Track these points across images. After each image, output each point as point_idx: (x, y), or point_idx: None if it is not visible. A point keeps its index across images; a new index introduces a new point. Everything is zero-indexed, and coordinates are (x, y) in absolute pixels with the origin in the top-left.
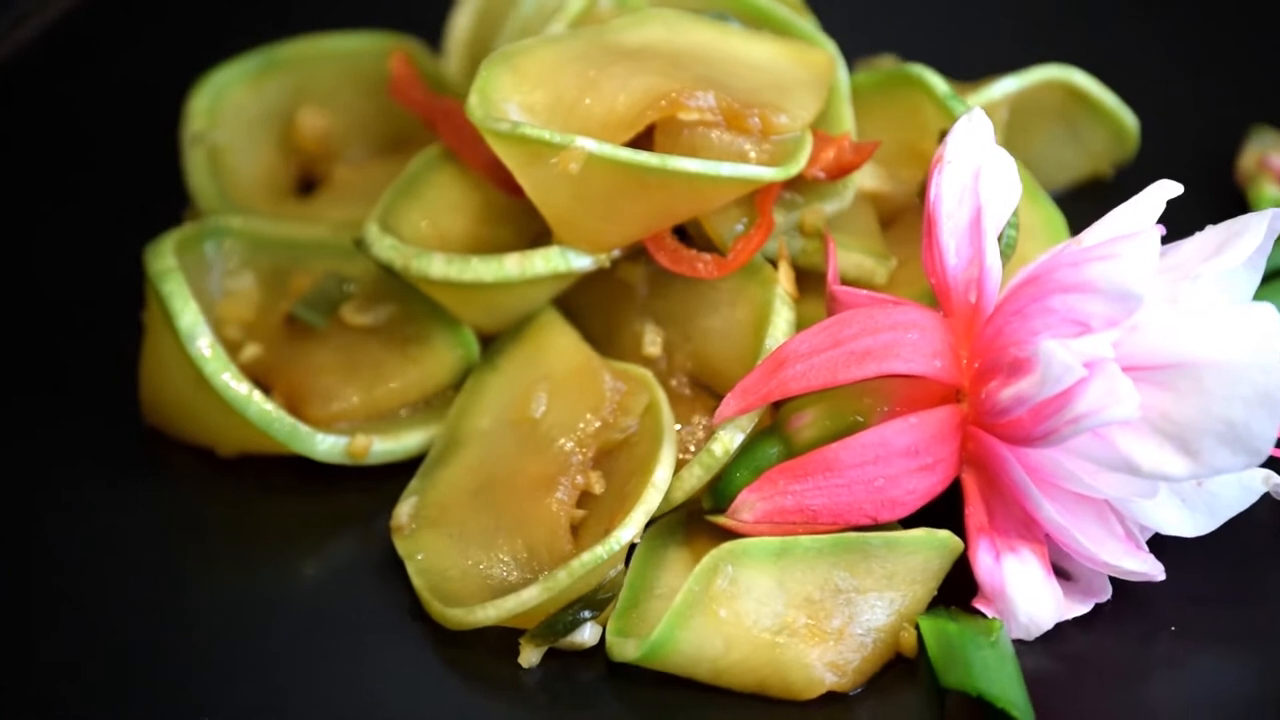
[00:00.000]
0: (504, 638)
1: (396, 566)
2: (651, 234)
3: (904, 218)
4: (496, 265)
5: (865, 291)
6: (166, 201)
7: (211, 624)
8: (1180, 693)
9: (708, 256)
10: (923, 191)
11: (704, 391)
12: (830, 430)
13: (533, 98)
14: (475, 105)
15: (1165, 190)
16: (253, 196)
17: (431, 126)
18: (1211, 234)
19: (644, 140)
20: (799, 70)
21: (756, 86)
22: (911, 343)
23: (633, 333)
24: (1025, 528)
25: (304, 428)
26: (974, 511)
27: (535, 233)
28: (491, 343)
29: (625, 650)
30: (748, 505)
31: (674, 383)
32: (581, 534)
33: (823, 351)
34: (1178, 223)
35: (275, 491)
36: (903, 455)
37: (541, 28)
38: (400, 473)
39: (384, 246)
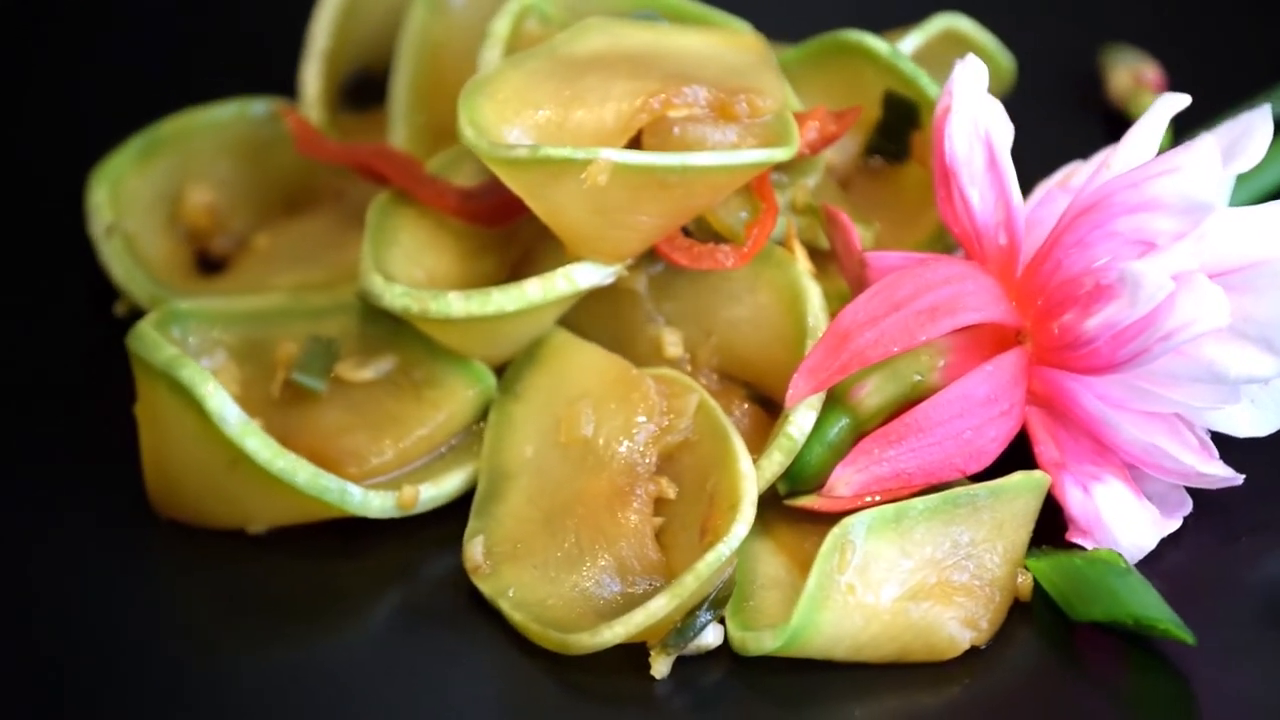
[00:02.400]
0: (615, 655)
1: (463, 611)
2: (665, 236)
3: (855, 182)
4: (518, 293)
5: (895, 253)
6: (68, 295)
7: (289, 700)
8: (1269, 592)
9: (726, 248)
10: (875, 151)
11: (732, 383)
12: (893, 394)
13: (525, 122)
14: (473, 138)
15: (1173, 103)
16: (175, 279)
17: (368, 174)
18: (1213, 140)
19: (632, 145)
20: (743, 55)
21: (721, 74)
22: (972, 292)
23: (648, 338)
24: (1099, 456)
25: (354, 488)
26: (1045, 449)
27: (516, 258)
28: (503, 373)
29: (761, 643)
30: (843, 480)
31: (702, 380)
32: (666, 540)
33: (886, 316)
34: (1066, 148)
35: (311, 558)
36: (983, 404)
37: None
38: (428, 519)
39: (395, 295)
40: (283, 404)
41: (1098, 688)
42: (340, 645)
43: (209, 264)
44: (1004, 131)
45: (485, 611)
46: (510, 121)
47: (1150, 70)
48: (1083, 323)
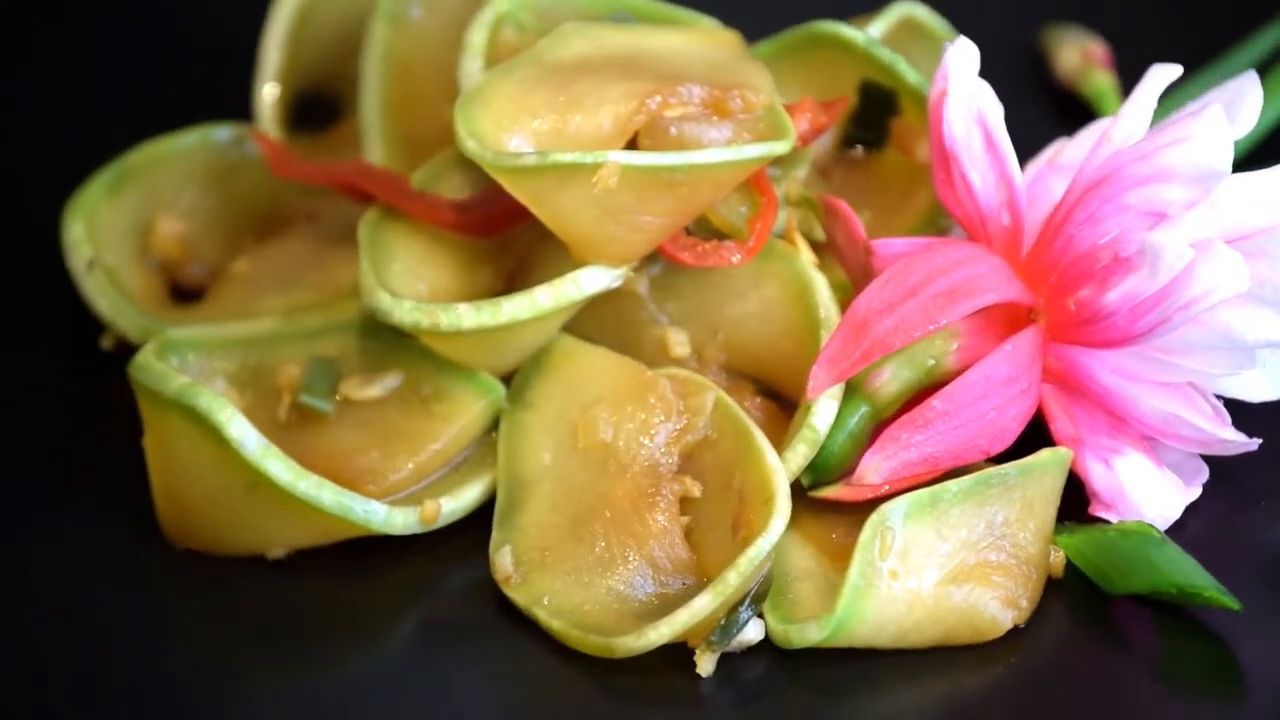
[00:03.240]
0: (654, 655)
1: (492, 622)
2: (669, 236)
3: (834, 173)
4: (528, 302)
5: (901, 239)
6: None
7: None
8: None
9: (731, 244)
10: (852, 141)
11: (741, 379)
12: (909, 380)
13: (523, 130)
14: (476, 150)
15: (1166, 74)
16: (155, 310)
17: (351, 193)
18: (1221, 107)
19: (629, 147)
20: (724, 51)
21: (710, 71)
22: (986, 273)
23: (654, 340)
24: (1116, 429)
25: (378, 506)
26: (1061, 425)
27: (512, 267)
28: (510, 383)
29: (806, 635)
30: (873, 468)
31: (710, 378)
32: (694, 539)
33: (902, 303)
34: (1018, 130)
35: (332, 579)
36: (1004, 384)
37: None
38: (442, 533)
39: (405, 311)
40: (290, 428)
41: (1138, 659)
42: (372, 664)
43: (182, 294)
44: (997, 111)
45: (515, 621)
46: (509, 130)
47: (1097, 47)
48: (1101, 296)
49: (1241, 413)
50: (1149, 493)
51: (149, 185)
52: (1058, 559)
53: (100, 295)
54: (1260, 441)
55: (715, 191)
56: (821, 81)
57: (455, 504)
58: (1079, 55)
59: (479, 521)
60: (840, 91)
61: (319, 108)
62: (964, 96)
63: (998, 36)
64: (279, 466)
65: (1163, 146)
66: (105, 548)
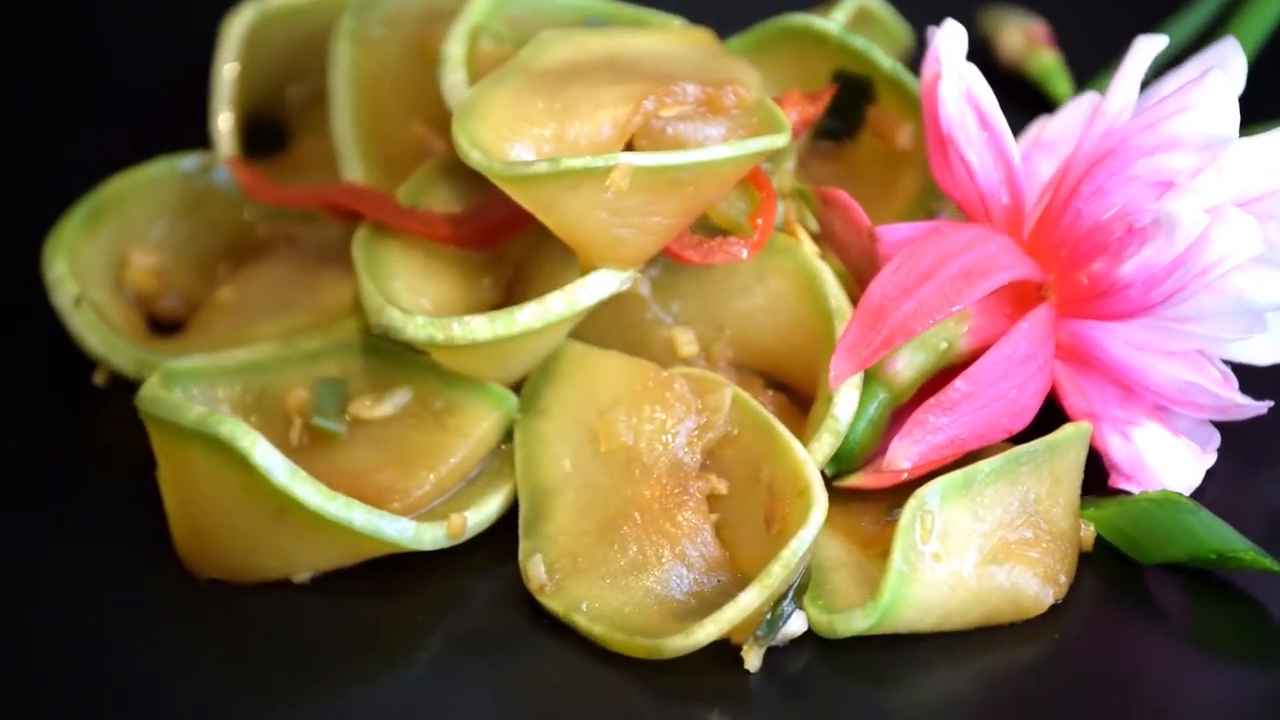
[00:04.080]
0: (695, 653)
1: (525, 632)
2: (675, 236)
3: (809, 164)
4: (540, 310)
5: (905, 225)
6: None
7: None
8: None
9: (736, 240)
10: (825, 132)
11: (748, 374)
12: (924, 365)
13: (524, 138)
14: (483, 161)
15: (1153, 44)
16: (145, 342)
17: (337, 213)
18: (1191, 72)
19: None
20: (702, 49)
21: (698, 69)
22: (996, 253)
23: (660, 341)
24: (1127, 401)
25: (408, 523)
26: (1075, 400)
27: (509, 276)
28: (519, 392)
29: (851, 623)
30: (902, 453)
31: (719, 375)
32: (724, 535)
33: (918, 287)
34: None
35: (357, 599)
36: (1023, 362)
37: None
38: (460, 546)
39: (419, 326)
40: (303, 452)
41: (1174, 627)
42: (405, 681)
43: (158, 327)
44: (988, 91)
45: (546, 629)
46: (509, 140)
47: (1038, 27)
48: (1117, 269)
49: (1245, 376)
50: (1168, 461)
51: (121, 219)
52: (1088, 533)
53: (90, 331)
54: (1271, 404)
55: (718, 189)
56: (793, 74)
57: (479, 516)
58: (1021, 36)
59: (495, 533)
60: (811, 83)
61: (266, 134)
62: (955, 78)
63: (936, 23)
64: (307, 490)
65: (1167, 116)
66: (121, 583)
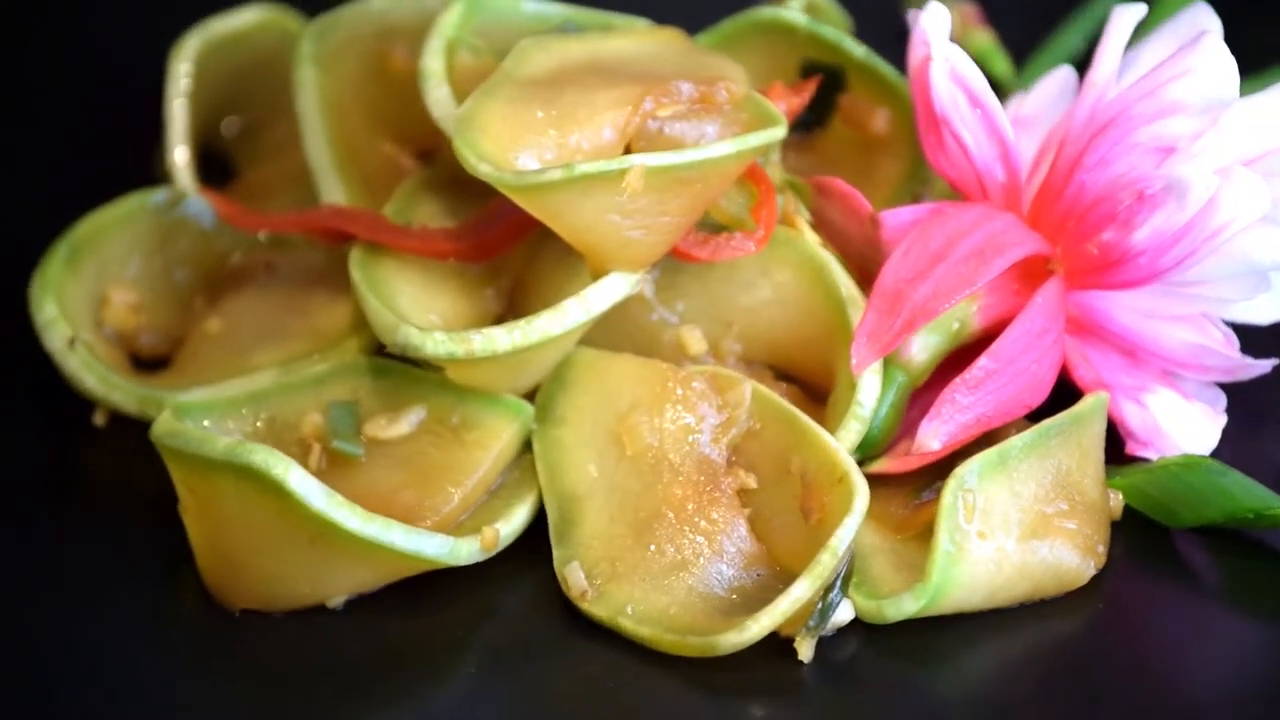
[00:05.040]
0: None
1: (563, 639)
2: (682, 235)
3: (784, 155)
4: (559, 316)
5: (904, 208)
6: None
7: None
8: None
9: (741, 235)
10: (796, 126)
11: (758, 369)
12: (938, 346)
13: (528, 147)
14: (490, 172)
15: (1132, 13)
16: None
17: (328, 237)
18: (1163, 39)
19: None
20: (677, 47)
21: (683, 68)
22: (1004, 230)
23: (669, 340)
24: (1134, 368)
25: (445, 539)
26: (1083, 371)
27: (509, 286)
28: (533, 402)
29: (901, 607)
30: (933, 434)
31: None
32: (759, 528)
33: (931, 268)
34: None
35: (389, 617)
36: (1040, 336)
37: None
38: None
39: (438, 342)
40: (325, 477)
41: (1207, 589)
42: (448, 696)
43: (139, 364)
44: (974, 69)
45: (585, 634)
46: (512, 150)
47: (968, 8)
48: (1129, 237)
49: (1242, 337)
50: (1184, 425)
51: (99, 257)
52: (1117, 502)
53: (87, 372)
54: (1276, 362)
55: (722, 185)
56: (762, 68)
57: (509, 528)
58: (955, 19)
59: (517, 542)
60: (781, 76)
61: (211, 168)
62: (942, 59)
63: (866, 11)
64: (345, 513)
65: (1166, 81)
66: (148, 623)
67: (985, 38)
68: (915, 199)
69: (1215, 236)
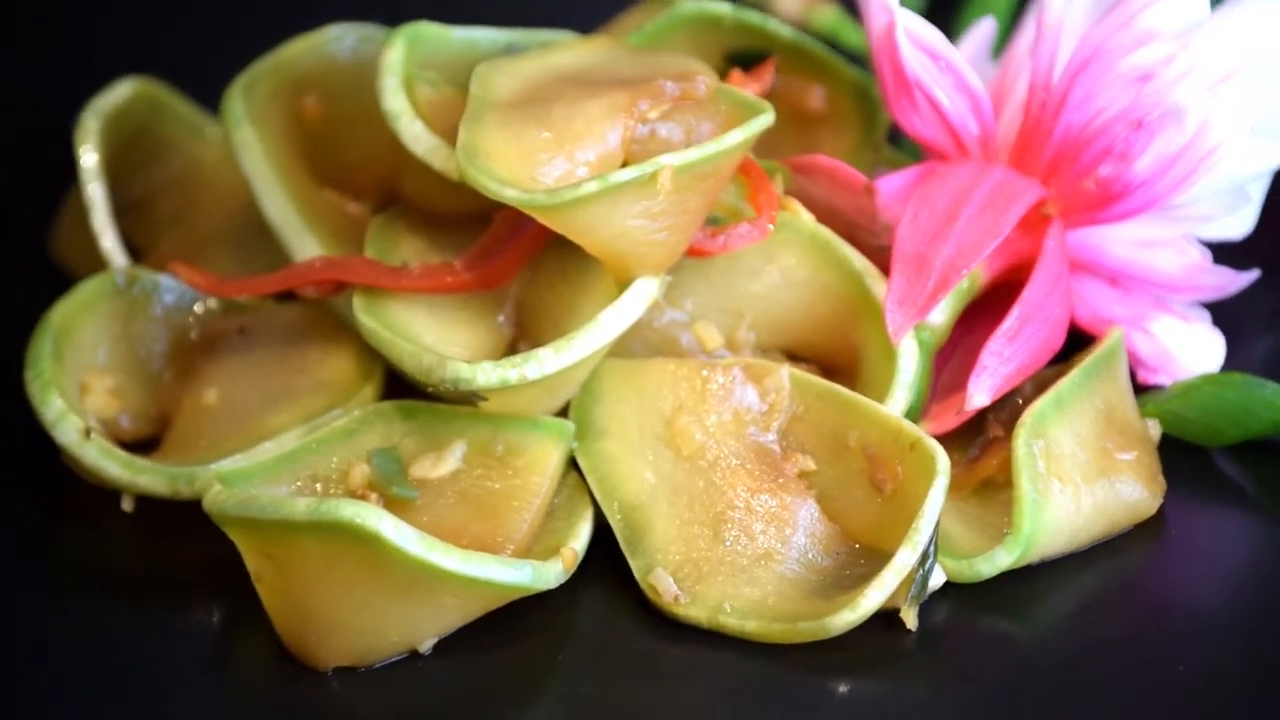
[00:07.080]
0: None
1: (656, 645)
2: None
3: None
4: (596, 331)
5: (895, 174)
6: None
7: None
8: None
9: (746, 225)
10: None
11: (772, 354)
12: (954, 306)
13: (538, 169)
14: (518, 196)
15: None
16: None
17: (322, 289)
18: None
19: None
20: (621, 51)
21: (651, 69)
22: (1004, 182)
23: (684, 338)
24: (1127, 299)
25: (534, 565)
26: (1081, 311)
27: (512, 309)
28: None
29: (996, 562)
30: (981, 388)
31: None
32: (826, 508)
33: (948, 228)
34: None
35: (471, 653)
36: (1058, 280)
37: None
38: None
39: (489, 371)
40: None
41: (1256, 502)
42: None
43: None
44: (931, 28)
45: (673, 639)
46: (527, 172)
47: None
48: (1129, 168)
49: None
50: (1190, 347)
51: (74, 346)
52: (1155, 429)
53: (108, 460)
54: (1259, 271)
55: (728, 177)
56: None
57: (580, 544)
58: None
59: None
60: (714, 63)
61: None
62: (902, 25)
63: None
64: (442, 555)
65: (1139, 10)
66: (235, 688)
67: (831, 12)
68: (870, 169)
69: (1209, 156)
